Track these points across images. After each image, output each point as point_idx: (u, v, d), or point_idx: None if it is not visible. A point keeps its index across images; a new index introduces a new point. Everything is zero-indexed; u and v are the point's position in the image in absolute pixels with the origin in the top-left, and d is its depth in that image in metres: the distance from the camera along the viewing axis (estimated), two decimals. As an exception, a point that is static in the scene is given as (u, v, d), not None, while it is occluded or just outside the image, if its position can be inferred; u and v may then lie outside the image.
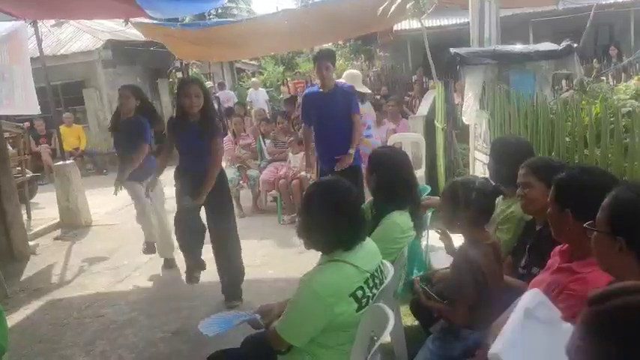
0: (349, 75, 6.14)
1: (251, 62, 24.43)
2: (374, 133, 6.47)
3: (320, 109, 4.76)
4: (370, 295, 2.15)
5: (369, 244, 2.29)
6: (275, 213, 6.75)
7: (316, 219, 2.15)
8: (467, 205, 2.18)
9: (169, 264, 5.16)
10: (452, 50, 4.40)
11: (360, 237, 2.19)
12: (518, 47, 4.53)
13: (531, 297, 1.59)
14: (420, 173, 6.08)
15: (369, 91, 6.48)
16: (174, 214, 4.29)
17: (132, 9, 5.36)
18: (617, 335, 0.87)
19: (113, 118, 5.26)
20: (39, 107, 6.86)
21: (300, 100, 7.55)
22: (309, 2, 8.68)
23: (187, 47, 9.15)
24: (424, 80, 11.85)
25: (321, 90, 4.75)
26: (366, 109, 6.10)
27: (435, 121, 6.44)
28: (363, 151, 5.72)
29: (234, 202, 7.01)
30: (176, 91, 4.09)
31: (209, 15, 16.79)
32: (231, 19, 11.16)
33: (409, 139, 6.71)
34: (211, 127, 4.04)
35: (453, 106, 6.24)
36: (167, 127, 4.28)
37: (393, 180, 2.81)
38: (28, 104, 6.64)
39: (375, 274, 2.22)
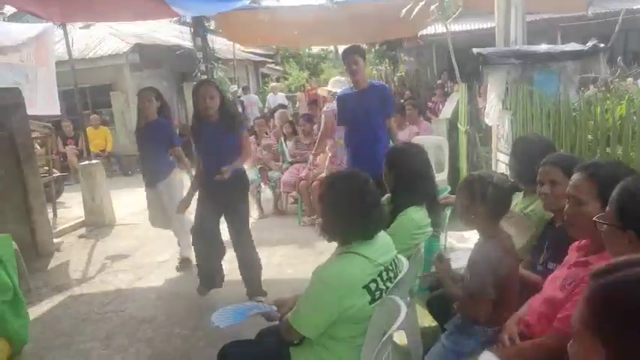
0: (336, 81, 6.08)
1: (276, 68, 24.61)
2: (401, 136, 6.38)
3: (354, 107, 4.53)
4: (384, 288, 2.13)
5: (384, 238, 2.27)
6: (295, 215, 6.75)
7: (333, 208, 2.16)
8: (483, 199, 2.14)
9: (186, 264, 5.17)
10: (475, 50, 4.35)
11: (376, 229, 2.18)
12: (543, 47, 4.46)
13: None
14: (442, 176, 6.03)
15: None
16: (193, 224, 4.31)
17: (159, 7, 5.43)
18: (616, 308, 0.84)
19: (138, 121, 5.20)
20: (59, 108, 7.03)
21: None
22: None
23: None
24: (448, 85, 11.76)
25: (354, 89, 4.59)
26: None
27: (458, 124, 6.37)
28: (339, 152, 5.77)
29: (255, 204, 7.09)
30: (192, 94, 4.05)
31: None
32: (255, 5, 11.42)
33: (432, 141, 6.64)
34: (234, 123, 4.02)
35: (476, 108, 6.17)
36: (190, 134, 4.25)
37: (410, 175, 2.79)
38: (50, 105, 6.84)
39: (390, 267, 2.20)
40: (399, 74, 13.16)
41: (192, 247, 4.49)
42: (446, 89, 11.45)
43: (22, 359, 3.69)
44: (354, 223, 2.12)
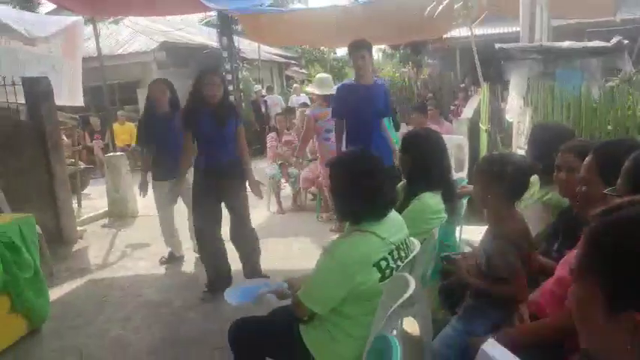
0: (319, 79, 6.04)
1: (301, 71, 24.72)
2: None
3: (353, 103, 4.52)
4: (394, 267, 2.14)
5: (395, 217, 2.28)
6: (314, 211, 6.78)
7: (342, 187, 2.18)
8: (501, 178, 2.12)
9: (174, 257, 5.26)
10: (497, 45, 4.33)
11: (386, 207, 2.19)
12: (566, 43, 4.42)
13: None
14: (462, 175, 5.99)
15: None
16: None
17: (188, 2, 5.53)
18: (614, 246, 0.84)
19: (147, 112, 5.10)
20: (82, 100, 7.19)
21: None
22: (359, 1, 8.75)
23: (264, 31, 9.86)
24: (471, 89, 11.68)
25: (355, 83, 4.60)
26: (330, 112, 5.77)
27: (480, 123, 6.34)
28: (322, 156, 5.86)
29: (274, 199, 7.14)
30: (195, 81, 4.07)
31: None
32: (283, 9, 11.60)
33: (452, 141, 6.60)
34: (232, 112, 4.09)
35: (498, 108, 6.13)
36: (183, 118, 4.19)
37: (426, 160, 2.79)
38: (73, 96, 7.04)
39: (401, 246, 2.21)
40: (422, 77, 13.13)
41: (199, 250, 4.54)
42: (469, 93, 11.38)
43: (41, 336, 3.78)
44: (364, 201, 2.13)
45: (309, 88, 7.38)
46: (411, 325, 3.32)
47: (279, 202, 7.16)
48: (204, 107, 4.02)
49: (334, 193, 2.24)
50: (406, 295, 1.79)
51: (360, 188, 2.12)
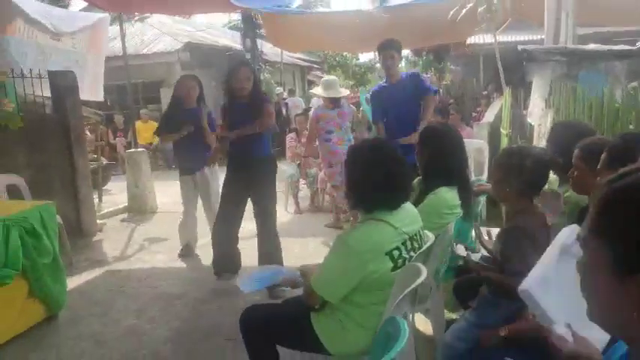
0: (325, 82, 6.07)
1: (322, 75, 24.84)
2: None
3: (387, 101, 4.63)
4: (407, 257, 2.13)
5: (410, 209, 2.27)
6: (331, 212, 6.76)
7: (357, 174, 2.17)
8: (520, 171, 2.09)
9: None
10: (520, 46, 4.30)
11: (400, 198, 2.18)
12: (591, 46, 4.36)
13: (569, 232, 1.51)
14: (482, 179, 5.94)
15: (345, 95, 6.33)
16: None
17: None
18: (622, 209, 0.83)
19: (172, 106, 5.08)
20: (102, 95, 7.36)
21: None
22: (383, 5, 8.77)
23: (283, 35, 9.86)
24: (494, 96, 11.58)
25: (386, 84, 4.69)
26: (334, 114, 5.84)
27: (501, 128, 6.28)
28: (322, 156, 5.96)
29: (292, 199, 7.16)
30: (227, 75, 4.16)
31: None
32: (309, 10, 11.65)
33: (472, 145, 6.56)
34: (262, 106, 4.09)
35: (520, 113, 6.07)
36: (221, 114, 4.34)
37: (444, 154, 2.78)
38: (94, 91, 7.18)
39: (415, 237, 2.20)
40: (444, 83, 13.06)
41: (212, 231, 4.58)
42: (491, 100, 11.28)
43: (58, 322, 3.84)
44: (378, 190, 2.12)
45: (315, 90, 7.43)
46: (423, 324, 3.32)
47: (297, 202, 7.17)
48: (235, 100, 4.12)
49: (348, 180, 2.24)
50: (418, 281, 1.78)
51: (375, 177, 2.12)
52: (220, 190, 4.40)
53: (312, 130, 6.04)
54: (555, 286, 1.36)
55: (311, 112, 6.47)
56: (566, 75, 4.14)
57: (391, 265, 2.07)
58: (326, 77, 6.57)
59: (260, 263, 4.28)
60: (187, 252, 5.30)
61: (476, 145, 6.57)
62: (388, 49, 4.51)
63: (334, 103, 5.81)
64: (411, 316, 2.08)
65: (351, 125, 6.29)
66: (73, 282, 4.50)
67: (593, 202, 0.89)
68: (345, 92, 6.27)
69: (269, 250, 4.24)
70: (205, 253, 5.29)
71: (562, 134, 2.81)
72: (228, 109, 4.21)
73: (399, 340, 1.41)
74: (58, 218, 4.28)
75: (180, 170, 5.27)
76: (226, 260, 4.37)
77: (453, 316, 3.24)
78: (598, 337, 1.14)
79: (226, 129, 4.23)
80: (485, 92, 12.41)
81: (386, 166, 2.13)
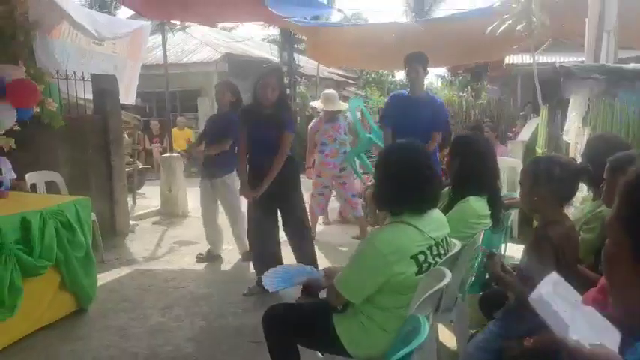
0: (325, 95, 6.12)
1: (358, 92, 24.90)
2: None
3: (403, 110, 4.56)
4: (432, 262, 2.11)
5: (437, 214, 2.26)
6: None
7: (387, 176, 2.18)
8: (549, 180, 2.07)
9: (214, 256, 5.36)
10: (557, 63, 4.24)
11: (429, 203, 2.17)
12: (632, 65, 4.27)
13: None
14: (514, 194, 5.85)
15: (344, 109, 6.31)
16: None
17: (257, 10, 5.73)
18: (637, 197, 0.82)
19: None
20: (134, 98, 7.64)
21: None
22: (419, 19, 8.78)
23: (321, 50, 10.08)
24: (531, 117, 11.42)
25: (409, 94, 4.65)
26: (329, 128, 5.96)
27: (537, 147, 6.18)
28: (315, 166, 6.03)
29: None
30: (255, 82, 4.07)
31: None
32: (345, 23, 11.72)
33: (506, 163, 6.47)
34: (284, 119, 4.02)
35: (556, 132, 5.97)
36: (240, 117, 4.29)
37: (475, 165, 2.76)
38: (128, 95, 7.44)
39: (441, 243, 2.18)
40: (480, 102, 12.95)
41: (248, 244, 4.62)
42: (527, 120, 11.13)
43: (87, 315, 3.93)
44: (407, 192, 2.12)
45: (314, 103, 7.50)
46: (447, 337, 3.28)
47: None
48: (258, 108, 4.05)
49: (379, 181, 2.26)
50: (443, 283, 1.77)
51: (405, 179, 2.12)
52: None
53: (311, 141, 6.23)
54: (564, 298, 1.32)
55: (310, 125, 6.52)
56: (604, 92, 4.06)
57: (416, 268, 2.06)
58: (326, 91, 6.58)
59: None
60: (207, 257, 5.35)
61: (510, 164, 6.48)
62: (414, 63, 4.50)
63: (331, 116, 5.97)
64: (432, 319, 2.06)
65: (348, 139, 6.28)
66: (103, 278, 4.61)
67: (618, 190, 0.89)
68: (344, 106, 6.37)
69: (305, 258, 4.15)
70: (230, 258, 5.36)
71: (596, 147, 2.76)
72: (249, 116, 4.11)
73: (419, 335, 1.40)
74: (93, 215, 4.40)
75: (201, 175, 5.36)
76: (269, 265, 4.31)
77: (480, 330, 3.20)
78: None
79: (244, 137, 4.17)
80: (522, 113, 12.25)
81: (417, 168, 2.14)
